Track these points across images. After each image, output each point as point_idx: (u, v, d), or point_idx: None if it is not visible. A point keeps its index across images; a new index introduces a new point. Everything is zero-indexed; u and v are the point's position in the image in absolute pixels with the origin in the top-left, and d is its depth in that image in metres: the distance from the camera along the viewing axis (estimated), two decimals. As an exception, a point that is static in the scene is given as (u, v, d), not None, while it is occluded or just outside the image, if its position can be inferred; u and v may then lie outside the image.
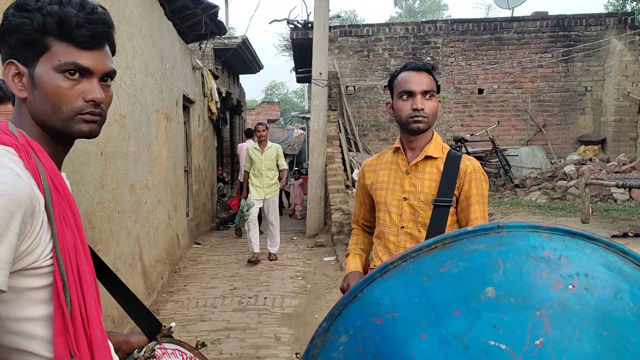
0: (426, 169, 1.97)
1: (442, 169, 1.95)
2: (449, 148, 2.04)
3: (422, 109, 1.90)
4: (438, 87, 2.00)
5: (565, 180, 9.72)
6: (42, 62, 0.96)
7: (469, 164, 1.96)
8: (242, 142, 14.06)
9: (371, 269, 2.16)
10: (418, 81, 1.91)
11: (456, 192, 1.94)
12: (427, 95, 1.92)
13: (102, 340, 0.98)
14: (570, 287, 0.87)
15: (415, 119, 1.91)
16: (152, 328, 1.32)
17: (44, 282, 0.92)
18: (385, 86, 12.02)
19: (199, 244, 8.98)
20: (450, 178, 1.93)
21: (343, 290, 2.10)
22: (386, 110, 11.86)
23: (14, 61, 0.97)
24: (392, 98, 2.02)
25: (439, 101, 2.01)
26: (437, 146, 2.00)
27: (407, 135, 2.00)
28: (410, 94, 1.91)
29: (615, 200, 8.77)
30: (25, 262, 0.89)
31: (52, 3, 0.95)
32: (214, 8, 8.29)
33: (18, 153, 0.92)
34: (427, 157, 1.98)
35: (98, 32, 0.99)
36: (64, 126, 0.98)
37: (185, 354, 1.39)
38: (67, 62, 0.96)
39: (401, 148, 2.04)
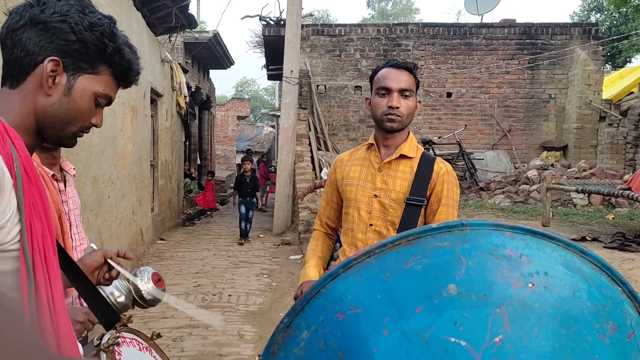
0: (399, 168, 1.94)
1: (415, 169, 1.93)
2: (423, 149, 2.01)
3: (397, 107, 1.86)
4: (418, 86, 1.97)
5: (527, 184, 9.96)
6: (86, 79, 1.02)
7: (442, 166, 1.95)
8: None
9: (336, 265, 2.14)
10: (396, 79, 1.88)
11: (428, 193, 1.92)
12: (404, 94, 1.89)
13: (68, 330, 0.98)
14: (530, 285, 0.88)
15: (389, 117, 1.88)
16: (110, 318, 1.33)
17: (10, 267, 0.91)
18: (356, 86, 12.09)
19: (163, 239, 8.84)
20: (424, 178, 1.91)
21: (296, 298, 2.01)
22: (357, 111, 12.08)
23: (60, 61, 0.99)
24: (372, 93, 1.99)
25: (419, 101, 1.98)
26: (412, 146, 1.98)
27: (382, 132, 1.96)
28: (388, 91, 1.88)
29: (575, 205, 9.04)
30: None
31: (126, 45, 1.05)
32: (185, 1, 8.17)
33: None
34: (402, 156, 1.95)
35: (137, 82, 1.13)
36: (60, 139, 1.04)
37: (142, 344, 1.43)
38: (108, 94, 1.06)
39: (375, 145, 2.00)
